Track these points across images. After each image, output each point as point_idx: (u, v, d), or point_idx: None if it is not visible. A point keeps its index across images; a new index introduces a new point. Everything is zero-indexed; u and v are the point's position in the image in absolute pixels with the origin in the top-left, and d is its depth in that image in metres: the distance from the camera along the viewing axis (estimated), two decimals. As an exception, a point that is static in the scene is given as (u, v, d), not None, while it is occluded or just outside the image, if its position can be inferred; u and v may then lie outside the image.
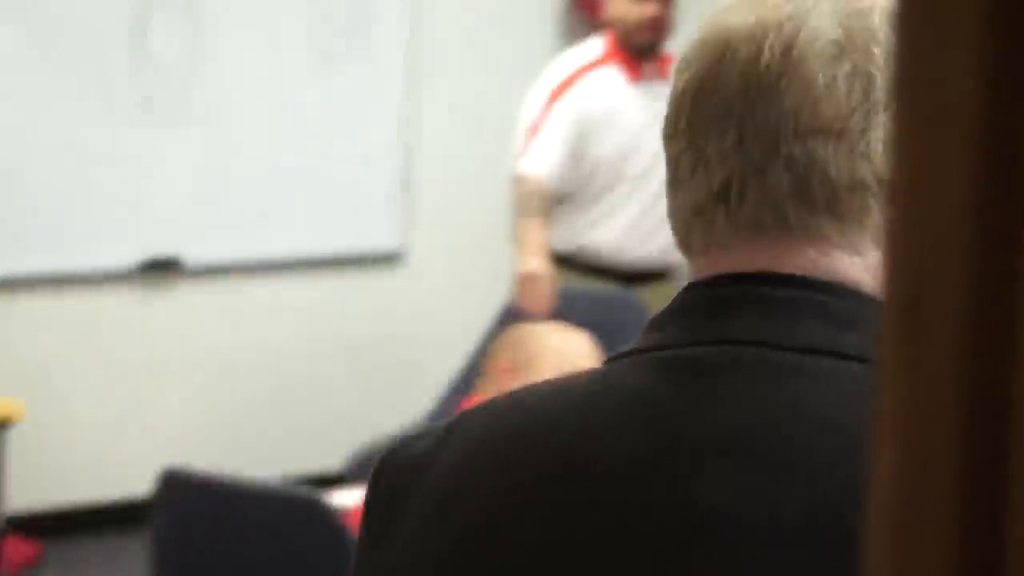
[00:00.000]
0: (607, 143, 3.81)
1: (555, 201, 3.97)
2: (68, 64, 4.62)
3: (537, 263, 3.87)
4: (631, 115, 3.88)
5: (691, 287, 0.82)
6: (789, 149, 0.78)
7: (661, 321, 0.82)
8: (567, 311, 3.64)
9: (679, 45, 3.79)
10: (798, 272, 0.79)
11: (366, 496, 0.89)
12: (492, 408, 0.86)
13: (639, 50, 3.94)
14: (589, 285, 4.07)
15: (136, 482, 4.49)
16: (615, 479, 0.77)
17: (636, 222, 3.82)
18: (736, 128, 0.78)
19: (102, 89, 4.68)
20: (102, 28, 4.66)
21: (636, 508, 0.76)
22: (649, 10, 3.87)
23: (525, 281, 3.87)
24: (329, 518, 2.71)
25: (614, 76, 4.01)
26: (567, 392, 0.82)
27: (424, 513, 0.82)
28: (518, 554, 0.78)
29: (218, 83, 4.83)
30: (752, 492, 0.74)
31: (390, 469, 0.87)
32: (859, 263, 0.79)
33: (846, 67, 0.77)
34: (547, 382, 0.86)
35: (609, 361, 0.84)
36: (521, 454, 0.80)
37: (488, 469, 0.81)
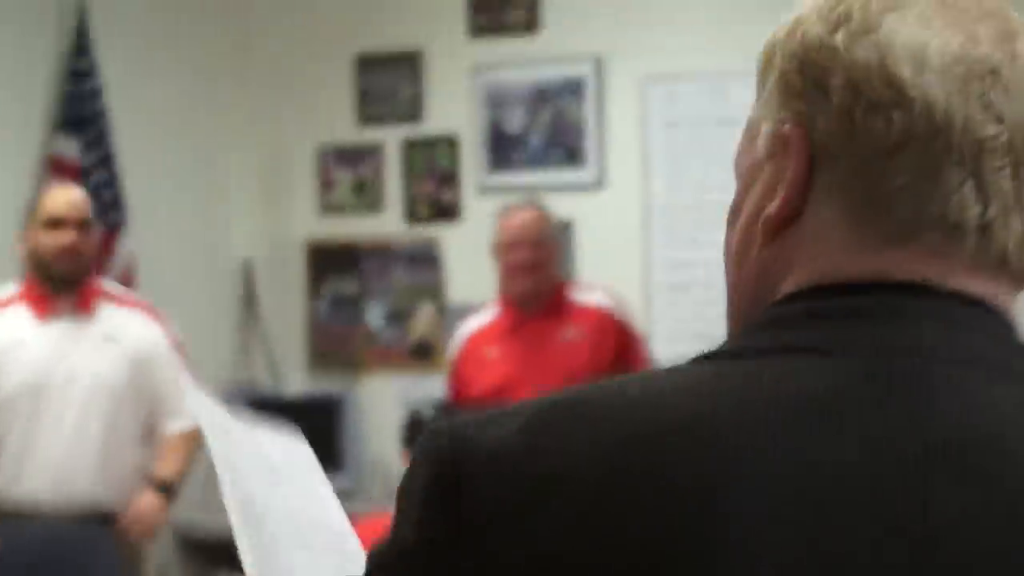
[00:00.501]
0: (11, 379, 3.64)
1: None
2: None
3: None
4: (35, 352, 3.73)
5: (844, 291, 0.80)
6: None
7: (802, 319, 0.80)
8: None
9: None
10: (974, 293, 0.79)
11: (422, 485, 0.79)
12: (605, 402, 0.79)
13: (57, 283, 3.79)
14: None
15: None
16: (838, 480, 0.74)
17: (62, 462, 3.66)
18: (1010, 158, 0.77)
19: None
20: None
21: (868, 523, 0.73)
22: (65, 238, 3.73)
23: None
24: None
25: (21, 315, 3.89)
26: (710, 389, 0.78)
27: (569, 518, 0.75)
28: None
29: None
30: (980, 508, 0.73)
31: (472, 456, 0.78)
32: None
33: None
34: (651, 375, 0.83)
35: (709, 359, 0.81)
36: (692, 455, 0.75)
37: (654, 472, 0.75)
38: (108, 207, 4.45)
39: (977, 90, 0.74)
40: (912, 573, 0.70)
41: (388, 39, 5.17)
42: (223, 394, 5.27)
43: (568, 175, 4.92)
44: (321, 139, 5.30)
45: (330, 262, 5.34)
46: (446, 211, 5.08)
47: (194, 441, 3.61)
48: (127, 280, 4.35)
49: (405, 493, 0.78)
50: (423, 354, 5.24)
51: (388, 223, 5.21)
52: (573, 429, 0.75)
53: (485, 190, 4.92)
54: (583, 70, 4.81)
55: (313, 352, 5.37)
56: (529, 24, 4.98)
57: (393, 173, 5.16)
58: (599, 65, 4.76)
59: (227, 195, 5.55)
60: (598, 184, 4.87)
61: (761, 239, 0.81)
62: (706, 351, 0.80)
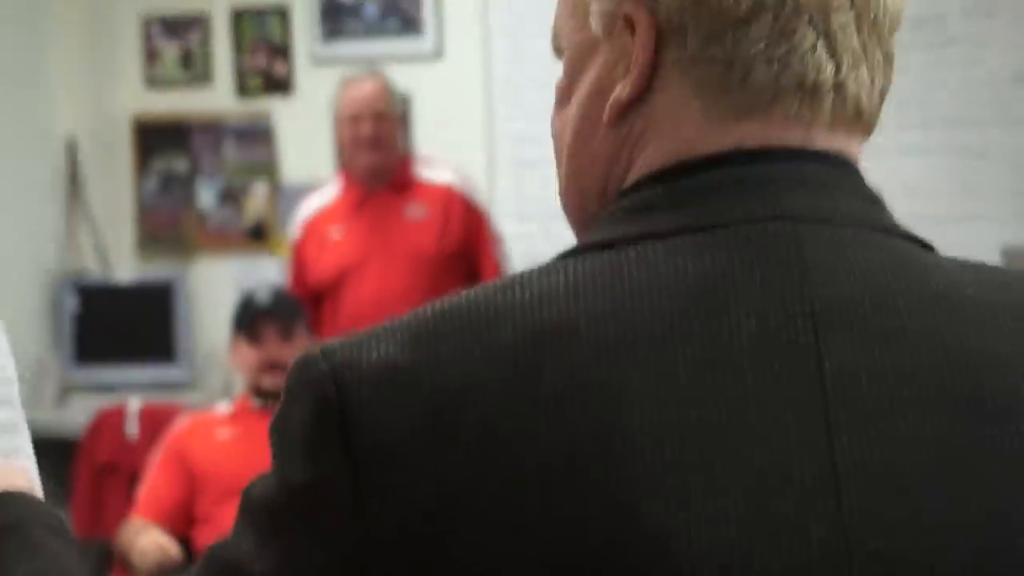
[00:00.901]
0: None
1: None
2: None
3: None
4: None
5: (709, 164, 0.80)
6: (888, 48, 0.81)
7: (668, 201, 0.79)
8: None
9: None
10: (831, 151, 0.81)
11: (302, 419, 0.74)
12: (493, 309, 0.77)
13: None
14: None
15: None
16: (736, 351, 0.74)
17: None
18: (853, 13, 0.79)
19: None
20: None
21: (766, 377, 0.74)
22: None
23: None
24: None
25: None
26: (595, 285, 0.76)
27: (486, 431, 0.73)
28: (657, 444, 0.72)
29: None
30: (876, 360, 0.75)
31: (356, 379, 0.74)
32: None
33: None
34: (530, 277, 0.78)
35: (579, 254, 0.79)
36: (604, 345, 0.74)
37: (557, 370, 0.73)
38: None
39: None
40: (823, 436, 0.71)
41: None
42: (49, 283, 5.05)
43: (405, 45, 4.80)
44: (145, 8, 5.05)
45: (158, 139, 5.15)
46: (279, 84, 4.95)
47: None
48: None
49: (282, 430, 0.74)
50: (257, 235, 5.13)
51: (218, 97, 5.05)
52: (464, 338, 0.72)
53: (319, 62, 4.78)
54: (418, -68, 4.66)
55: (142, 235, 5.18)
56: None
57: (222, 44, 4.99)
58: (434, -73, 4.61)
59: (47, 68, 5.23)
60: (437, 55, 4.77)
61: (607, 122, 0.80)
62: (570, 247, 0.78)
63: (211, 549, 0.78)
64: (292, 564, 0.72)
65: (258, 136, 5.03)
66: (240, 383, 3.77)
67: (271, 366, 3.46)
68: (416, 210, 3.97)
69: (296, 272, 4.04)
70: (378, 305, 3.93)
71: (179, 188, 5.15)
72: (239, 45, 5.01)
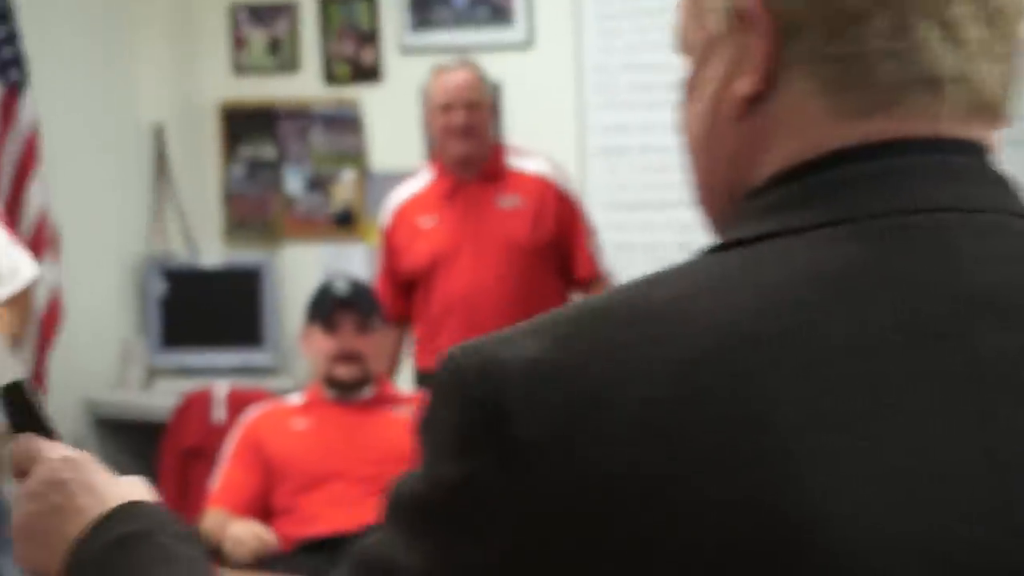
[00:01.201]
0: None
1: None
2: None
3: None
4: None
5: (854, 155, 0.81)
6: (1015, 36, 0.82)
7: (801, 198, 0.81)
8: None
9: None
10: (962, 139, 0.82)
11: (452, 418, 0.77)
12: (636, 309, 0.79)
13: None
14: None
15: None
16: (886, 340, 0.76)
17: None
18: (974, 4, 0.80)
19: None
20: None
21: (918, 364, 0.75)
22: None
23: None
24: None
25: None
26: (737, 280, 0.79)
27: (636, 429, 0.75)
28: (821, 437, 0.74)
29: None
30: None
31: (507, 376, 0.76)
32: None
33: None
34: (669, 277, 0.81)
35: (717, 251, 0.82)
36: (751, 341, 0.76)
37: (710, 379, 0.75)
38: (8, 65, 4.29)
39: None
40: (977, 420, 0.73)
41: None
42: (137, 267, 5.18)
43: (495, 34, 4.82)
44: (233, -4, 5.16)
45: (245, 126, 5.22)
46: (367, 72, 4.99)
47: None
48: (31, 146, 4.21)
49: (432, 429, 0.76)
50: (345, 222, 5.21)
51: (306, 85, 5.11)
52: (611, 333, 0.75)
53: (407, 50, 4.82)
54: (510, -78, 4.68)
55: (229, 221, 5.27)
56: None
57: (310, 31, 5.05)
58: (527, -82, 4.63)
59: (135, 55, 5.35)
60: (527, 44, 4.79)
61: (732, 117, 0.82)
62: (712, 244, 0.81)
63: (356, 550, 0.80)
64: (445, 562, 0.74)
65: (346, 123, 5.07)
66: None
67: (346, 357, 3.51)
68: (509, 200, 4.01)
69: (387, 259, 4.09)
70: (470, 294, 4.06)
71: (266, 174, 5.22)
72: (326, 32, 5.06)
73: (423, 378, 3.89)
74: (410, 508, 0.77)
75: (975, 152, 0.82)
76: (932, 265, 0.77)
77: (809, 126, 0.80)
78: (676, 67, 0.98)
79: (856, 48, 0.78)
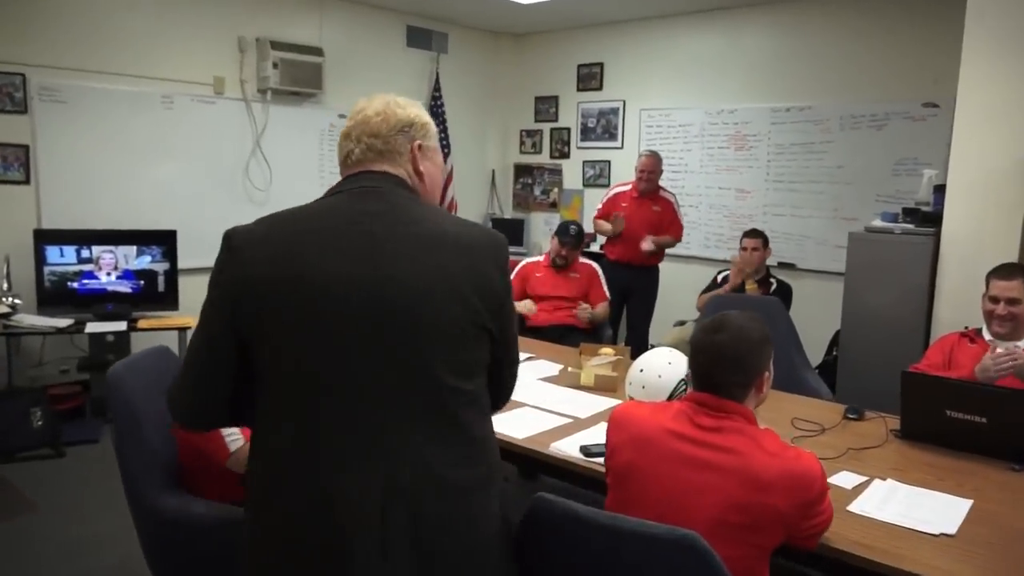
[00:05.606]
0: None
1: None
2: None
3: None
4: None
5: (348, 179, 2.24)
6: None
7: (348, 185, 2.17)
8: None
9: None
10: (392, 173, 2.24)
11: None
12: (273, 216, 2.08)
13: None
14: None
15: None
16: (337, 227, 2.11)
17: None
18: None
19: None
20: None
21: (350, 232, 2.11)
22: None
23: None
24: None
25: None
26: (316, 206, 2.18)
27: (250, 248, 2.04)
28: (298, 258, 2.07)
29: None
30: (411, 237, 2.15)
31: (230, 234, 2.04)
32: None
33: None
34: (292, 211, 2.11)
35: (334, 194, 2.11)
36: (294, 222, 2.12)
37: (284, 229, 2.06)
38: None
39: None
40: (369, 243, 2.18)
41: None
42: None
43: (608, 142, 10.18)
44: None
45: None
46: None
47: None
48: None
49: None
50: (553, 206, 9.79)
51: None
52: (265, 220, 2.19)
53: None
54: None
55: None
56: None
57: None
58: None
59: (486, 134, 10.39)
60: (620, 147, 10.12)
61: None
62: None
63: None
64: (212, 289, 2.24)
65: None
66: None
67: (559, 254, 6.71)
68: (657, 206, 7.97)
69: (603, 213, 7.99)
70: (632, 238, 7.91)
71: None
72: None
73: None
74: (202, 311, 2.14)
75: (390, 177, 2.23)
76: (358, 203, 2.16)
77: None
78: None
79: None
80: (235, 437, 3.27)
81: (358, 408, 2.08)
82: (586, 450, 3.69)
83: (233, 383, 2.17)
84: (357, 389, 2.06)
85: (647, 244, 7.80)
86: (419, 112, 2.39)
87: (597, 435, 3.87)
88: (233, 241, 2.16)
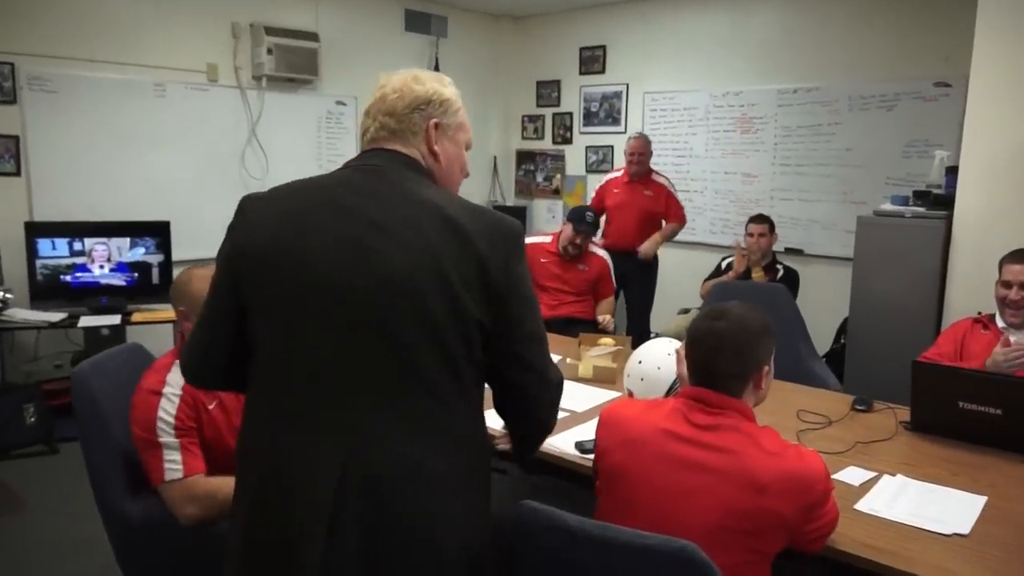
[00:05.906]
0: None
1: None
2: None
3: None
4: None
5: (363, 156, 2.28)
6: None
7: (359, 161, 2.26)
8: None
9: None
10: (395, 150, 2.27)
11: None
12: (285, 186, 2.24)
13: None
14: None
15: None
16: (335, 195, 2.22)
17: None
18: None
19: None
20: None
21: (329, 207, 2.22)
22: None
23: None
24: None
25: None
26: (320, 180, 2.26)
27: (256, 216, 2.20)
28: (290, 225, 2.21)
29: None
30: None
31: (243, 199, 2.22)
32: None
33: None
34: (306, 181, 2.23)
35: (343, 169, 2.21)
36: (296, 193, 2.25)
37: (288, 199, 2.22)
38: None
39: None
40: (338, 217, 2.24)
41: None
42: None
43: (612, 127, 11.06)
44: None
45: (523, 159, 11.79)
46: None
47: None
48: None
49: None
50: (556, 193, 11.22)
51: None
52: (279, 188, 2.33)
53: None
54: None
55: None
56: None
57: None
58: None
59: (488, 123, 11.25)
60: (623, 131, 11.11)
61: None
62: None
63: None
64: (225, 244, 2.40)
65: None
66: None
67: (572, 242, 6.41)
68: (649, 190, 8.01)
69: (596, 202, 8.13)
70: (624, 225, 7.99)
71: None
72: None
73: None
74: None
75: (397, 156, 2.28)
76: (355, 181, 2.26)
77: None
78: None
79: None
80: (176, 467, 3.07)
81: (322, 385, 2.11)
82: (581, 447, 3.66)
83: (231, 348, 2.25)
84: (327, 367, 2.10)
85: (647, 251, 7.77)
86: (438, 88, 2.38)
87: (594, 430, 3.74)
88: (242, 205, 2.31)
